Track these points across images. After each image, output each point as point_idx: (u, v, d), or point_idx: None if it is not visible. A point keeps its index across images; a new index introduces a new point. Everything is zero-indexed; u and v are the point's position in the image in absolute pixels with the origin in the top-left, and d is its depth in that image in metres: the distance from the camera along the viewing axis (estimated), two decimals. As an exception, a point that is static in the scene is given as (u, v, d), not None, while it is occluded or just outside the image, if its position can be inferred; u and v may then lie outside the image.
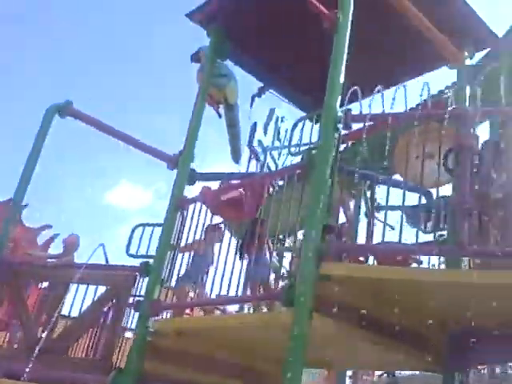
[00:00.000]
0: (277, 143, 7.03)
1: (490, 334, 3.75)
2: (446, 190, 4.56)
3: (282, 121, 7.32)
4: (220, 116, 5.68)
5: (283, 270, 5.63)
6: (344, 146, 7.54)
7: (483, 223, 3.99)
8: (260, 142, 6.89)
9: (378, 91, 3.36)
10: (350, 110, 3.59)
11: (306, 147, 5.26)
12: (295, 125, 5.71)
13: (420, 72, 5.05)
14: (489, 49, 4.79)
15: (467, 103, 4.47)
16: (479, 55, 5.13)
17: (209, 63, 4.87)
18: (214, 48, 4.84)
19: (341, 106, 3.72)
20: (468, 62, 4.73)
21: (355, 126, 3.81)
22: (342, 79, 3.61)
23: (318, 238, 3.33)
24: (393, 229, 5.34)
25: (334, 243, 3.35)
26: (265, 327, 3.68)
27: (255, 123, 6.65)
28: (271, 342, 3.63)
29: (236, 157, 5.48)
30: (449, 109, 3.18)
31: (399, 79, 4.91)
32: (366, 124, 3.80)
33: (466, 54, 4.67)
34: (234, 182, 4.77)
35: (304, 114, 5.84)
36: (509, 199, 3.94)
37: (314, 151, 3.64)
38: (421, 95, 3.41)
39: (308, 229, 3.39)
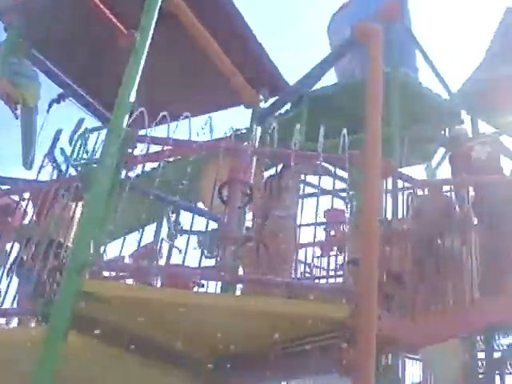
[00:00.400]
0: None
1: (253, 358, 4.00)
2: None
3: (91, 132, 7.11)
4: (17, 117, 5.34)
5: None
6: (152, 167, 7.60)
7: (261, 252, 4.31)
8: (62, 150, 6.60)
9: (164, 117, 3.45)
10: (136, 130, 3.62)
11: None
12: (79, 136, 5.61)
13: (219, 107, 5.36)
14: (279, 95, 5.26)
15: (257, 141, 4.84)
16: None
17: (2, 59, 4.55)
18: (9, 44, 4.54)
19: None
20: (262, 104, 5.13)
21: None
22: (132, 98, 3.64)
23: (85, 254, 3.24)
24: (180, 252, 5.45)
25: (100, 260, 3.29)
26: (19, 344, 3.42)
27: (60, 130, 6.37)
28: (23, 362, 3.39)
29: (27, 161, 5.15)
30: (222, 143, 3.40)
31: (202, 110, 5.17)
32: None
33: (261, 97, 5.06)
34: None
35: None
36: (282, 231, 4.31)
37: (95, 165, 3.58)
38: (203, 128, 3.62)
39: (76, 243, 3.29)
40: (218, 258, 3.63)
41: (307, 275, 6.78)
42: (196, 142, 3.52)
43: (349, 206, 8.59)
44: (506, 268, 4.83)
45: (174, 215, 7.51)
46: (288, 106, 8.35)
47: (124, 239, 3.84)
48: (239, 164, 3.41)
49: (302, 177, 6.04)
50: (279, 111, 5.14)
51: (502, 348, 9.76)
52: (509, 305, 4.63)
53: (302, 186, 5.37)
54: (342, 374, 3.27)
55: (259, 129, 4.93)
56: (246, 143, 4.73)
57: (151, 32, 3.84)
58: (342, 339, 3.33)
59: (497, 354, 9.85)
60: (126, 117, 3.57)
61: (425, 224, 5.10)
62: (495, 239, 4.83)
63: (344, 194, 8.88)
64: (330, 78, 8.94)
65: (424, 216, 5.22)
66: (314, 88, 8.37)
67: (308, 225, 5.39)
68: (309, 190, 7.32)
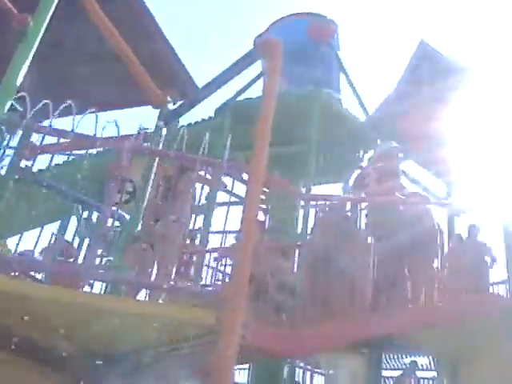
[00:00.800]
0: None
1: (127, 360, 3.93)
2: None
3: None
4: None
5: None
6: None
7: (147, 252, 4.27)
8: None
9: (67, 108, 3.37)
10: (20, 116, 3.51)
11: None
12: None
13: (128, 105, 5.30)
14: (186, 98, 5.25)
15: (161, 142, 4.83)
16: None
17: None
18: None
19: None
20: (171, 106, 5.11)
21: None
22: (17, 83, 3.53)
23: None
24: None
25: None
26: None
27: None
28: None
29: None
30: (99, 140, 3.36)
31: (110, 107, 5.11)
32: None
33: (170, 98, 5.04)
34: None
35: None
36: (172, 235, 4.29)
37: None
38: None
39: None
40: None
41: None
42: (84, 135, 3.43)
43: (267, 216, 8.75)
44: (395, 283, 5.03)
45: (86, 213, 7.35)
46: (212, 114, 8.45)
47: (41, 232, 3.71)
48: (119, 161, 3.36)
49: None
50: (186, 114, 5.11)
51: (404, 366, 10.17)
52: (395, 319, 4.81)
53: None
54: (204, 380, 3.26)
55: (165, 129, 4.92)
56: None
57: (48, 19, 3.75)
58: (208, 345, 3.33)
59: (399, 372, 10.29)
60: (9, 101, 3.45)
61: (321, 239, 5.23)
62: (386, 256, 5.03)
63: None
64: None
65: (321, 231, 5.35)
66: (240, 98, 8.50)
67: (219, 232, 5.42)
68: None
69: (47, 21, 3.74)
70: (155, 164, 4.64)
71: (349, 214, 5.39)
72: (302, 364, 8.27)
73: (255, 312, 4.76)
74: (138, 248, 4.15)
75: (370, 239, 5.19)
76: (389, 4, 23.63)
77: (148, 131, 5.22)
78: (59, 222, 6.06)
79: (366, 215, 5.19)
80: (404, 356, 9.59)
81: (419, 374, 9.96)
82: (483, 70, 6.29)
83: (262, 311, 4.86)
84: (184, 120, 8.33)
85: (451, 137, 6.50)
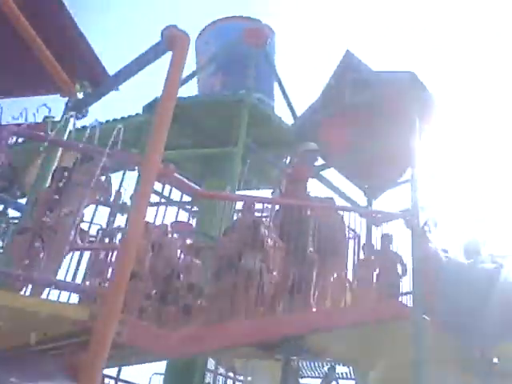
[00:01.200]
0: None
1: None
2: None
3: None
4: None
5: None
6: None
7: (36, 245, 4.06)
8: None
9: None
10: None
11: None
12: None
13: (34, 93, 5.08)
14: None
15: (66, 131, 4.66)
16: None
17: None
18: None
19: None
20: (80, 95, 4.93)
21: None
22: None
23: None
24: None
25: None
26: None
27: None
28: None
29: None
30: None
31: (15, 94, 4.90)
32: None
33: (78, 87, 4.86)
34: None
35: None
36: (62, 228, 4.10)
37: None
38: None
39: None
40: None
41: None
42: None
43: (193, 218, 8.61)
44: (299, 286, 5.03)
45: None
46: (140, 110, 8.23)
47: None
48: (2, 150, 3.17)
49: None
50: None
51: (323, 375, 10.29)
52: (295, 321, 4.81)
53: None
54: (72, 378, 3.10)
55: (72, 119, 4.74)
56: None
57: None
58: (80, 342, 3.19)
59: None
60: None
61: (230, 240, 5.17)
62: (293, 258, 5.03)
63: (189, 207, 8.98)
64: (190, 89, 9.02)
65: (231, 233, 5.29)
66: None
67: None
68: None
69: None
70: (56, 153, 4.47)
71: (260, 216, 5.37)
72: (222, 370, 8.17)
73: (160, 312, 4.66)
74: (24, 240, 3.94)
75: (277, 242, 5.17)
76: (322, 14, 24.10)
77: (53, 120, 5.04)
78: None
79: (274, 218, 5.18)
80: (325, 364, 9.69)
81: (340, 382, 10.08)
82: (409, 81, 6.40)
83: (169, 312, 4.75)
84: (110, 115, 8.16)
85: (372, 146, 6.61)
